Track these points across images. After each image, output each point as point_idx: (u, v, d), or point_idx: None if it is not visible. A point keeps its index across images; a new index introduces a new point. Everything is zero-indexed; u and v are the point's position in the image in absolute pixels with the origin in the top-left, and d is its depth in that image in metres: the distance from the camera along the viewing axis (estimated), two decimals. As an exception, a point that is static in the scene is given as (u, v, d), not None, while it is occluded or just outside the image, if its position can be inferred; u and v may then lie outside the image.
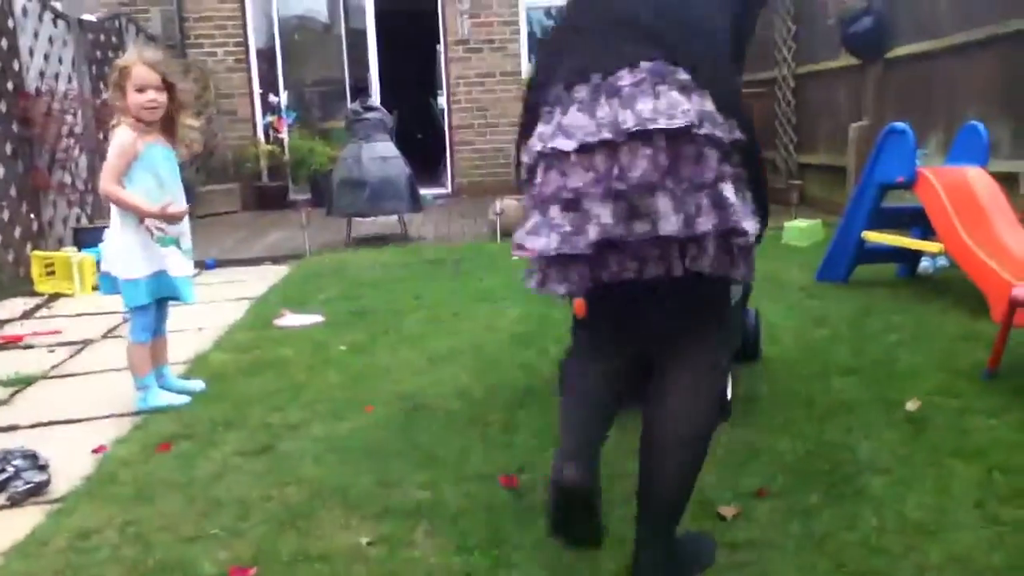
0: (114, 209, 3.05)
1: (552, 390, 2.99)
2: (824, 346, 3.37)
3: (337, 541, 2.06)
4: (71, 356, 3.99)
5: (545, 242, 1.67)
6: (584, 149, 1.64)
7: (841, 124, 6.83)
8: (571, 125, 1.65)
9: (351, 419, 2.84)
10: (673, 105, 1.59)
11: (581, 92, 1.67)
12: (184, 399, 3.12)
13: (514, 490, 2.28)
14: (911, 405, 2.71)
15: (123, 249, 3.02)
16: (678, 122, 1.58)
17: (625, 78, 1.64)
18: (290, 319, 4.28)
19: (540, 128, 1.73)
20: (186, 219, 3.21)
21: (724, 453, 2.41)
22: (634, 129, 1.59)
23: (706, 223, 1.60)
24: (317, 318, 4.27)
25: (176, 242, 3.15)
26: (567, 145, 1.65)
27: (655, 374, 1.84)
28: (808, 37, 7.54)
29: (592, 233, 1.62)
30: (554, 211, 1.68)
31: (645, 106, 1.60)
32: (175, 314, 4.71)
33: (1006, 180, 4.48)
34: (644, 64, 1.64)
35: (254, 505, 2.26)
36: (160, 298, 3.15)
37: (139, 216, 3.00)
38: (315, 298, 4.78)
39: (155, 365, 3.23)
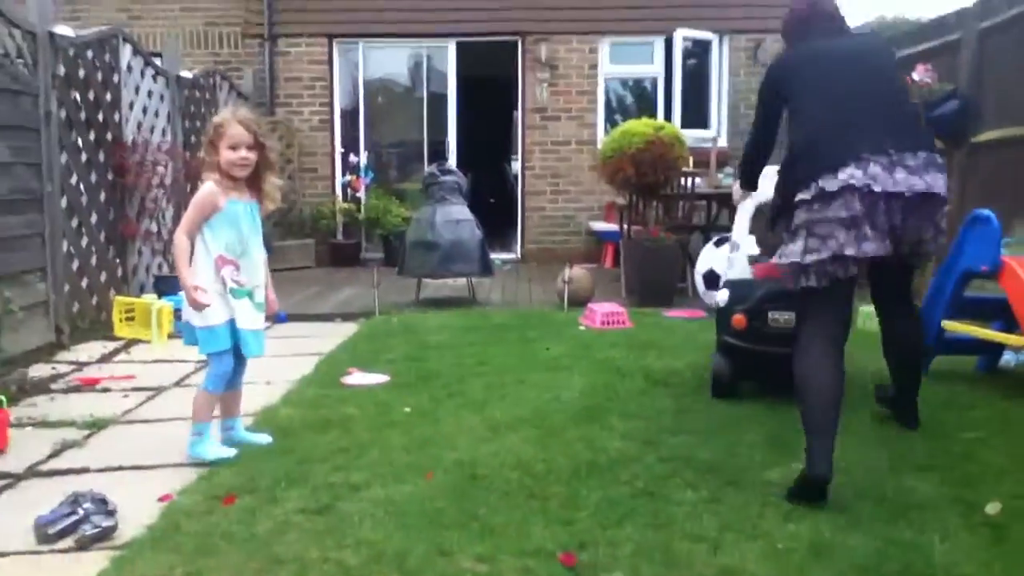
0: (194, 258, 3.15)
1: (614, 466, 2.96)
2: (899, 439, 3.26)
3: (391, 610, 2.04)
4: (144, 402, 4.10)
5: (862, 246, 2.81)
6: (877, 195, 2.78)
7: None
8: (876, 177, 2.77)
9: (411, 483, 2.84)
10: (941, 181, 2.91)
11: (880, 160, 2.79)
12: (231, 452, 3.18)
13: (573, 569, 2.24)
14: (991, 508, 2.59)
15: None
16: (943, 193, 2.92)
17: (910, 159, 2.84)
18: (357, 377, 4.34)
19: (851, 171, 2.77)
20: (263, 272, 3.30)
21: (788, 546, 2.34)
22: (923, 191, 2.84)
23: (932, 243, 3.01)
24: (383, 378, 4.31)
25: (250, 294, 3.23)
26: (877, 187, 2.76)
27: (891, 315, 3.42)
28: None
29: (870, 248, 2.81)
30: (848, 230, 2.78)
31: (928, 179, 2.85)
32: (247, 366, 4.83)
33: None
34: (921, 153, 2.88)
35: (312, 565, 2.26)
36: (238, 351, 3.21)
37: (215, 265, 3.12)
38: (382, 358, 4.83)
39: (225, 416, 3.29)
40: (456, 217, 6.57)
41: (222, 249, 3.14)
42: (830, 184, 2.76)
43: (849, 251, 2.76)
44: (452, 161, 9.86)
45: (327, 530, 2.49)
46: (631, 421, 3.52)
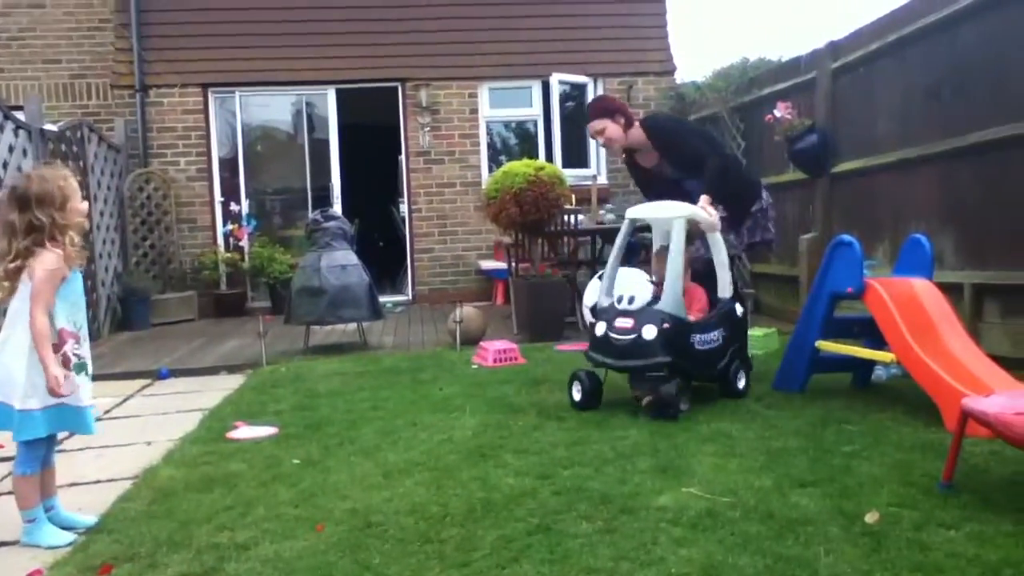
0: (25, 336, 2.84)
1: (508, 503, 2.95)
2: (782, 457, 3.37)
3: (282, 672, 1.96)
4: None
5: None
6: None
7: (792, 235, 7.03)
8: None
9: (301, 538, 2.75)
10: None
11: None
12: (70, 537, 2.87)
13: (469, 613, 2.20)
14: (870, 518, 2.70)
15: (26, 378, 2.82)
16: None
17: None
18: (243, 431, 4.19)
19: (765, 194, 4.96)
20: (86, 342, 3.01)
21: (681, 570, 2.37)
22: None
23: None
24: (271, 430, 4.18)
25: (86, 368, 2.98)
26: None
27: None
28: (758, 152, 7.84)
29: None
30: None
31: None
32: (124, 427, 4.62)
33: (951, 290, 4.61)
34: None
35: (196, 633, 2.15)
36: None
37: (59, 340, 2.86)
38: (270, 409, 4.69)
39: (44, 497, 2.98)
40: (341, 262, 6.49)
41: (64, 322, 2.89)
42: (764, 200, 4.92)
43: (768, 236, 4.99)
44: (337, 207, 9.77)
45: (212, 594, 2.37)
46: (525, 457, 3.52)
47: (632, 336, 4.10)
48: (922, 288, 4.15)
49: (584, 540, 2.62)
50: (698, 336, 4.22)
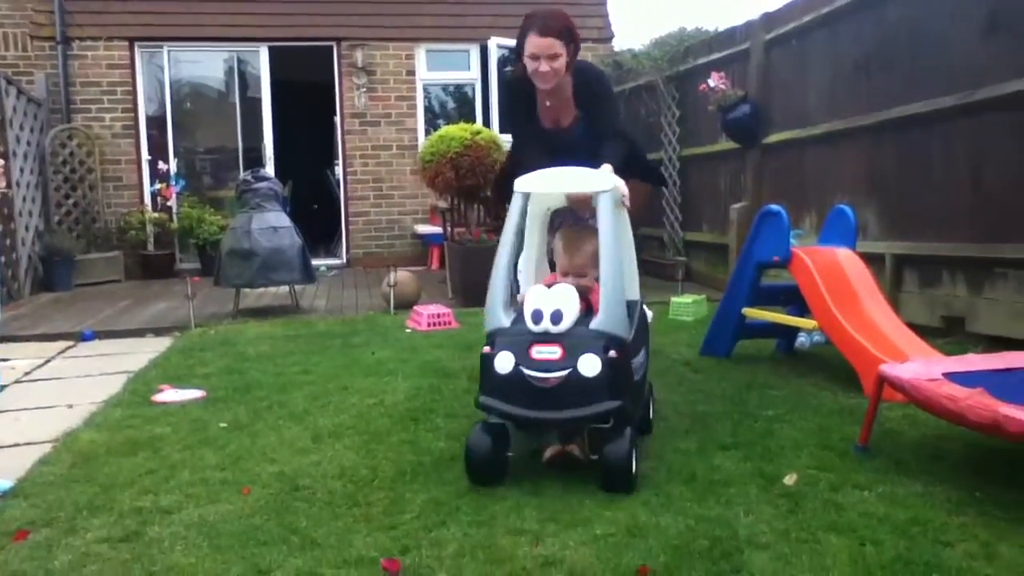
0: None
1: (438, 466, 2.96)
2: (706, 421, 3.45)
3: (205, 635, 1.94)
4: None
5: None
6: None
7: (723, 204, 7.14)
8: None
9: (227, 502, 2.72)
10: None
11: None
12: None
13: (397, 574, 2.21)
14: (788, 480, 2.78)
15: None
16: None
17: None
18: (169, 395, 4.11)
19: None
20: None
21: (605, 531, 2.41)
22: None
23: None
24: (198, 394, 4.11)
25: None
26: None
27: None
28: (692, 121, 7.91)
29: None
30: None
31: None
32: (44, 390, 4.49)
33: (873, 260, 4.75)
34: None
35: (116, 598, 2.12)
36: None
37: None
38: (197, 372, 4.61)
39: None
40: (273, 224, 6.37)
41: None
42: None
43: None
44: (270, 168, 9.59)
45: (133, 558, 2.33)
46: (456, 421, 3.53)
47: (563, 372, 2.70)
48: (845, 258, 4.27)
49: (512, 502, 2.64)
50: (633, 360, 2.98)
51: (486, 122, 9.61)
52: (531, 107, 3.61)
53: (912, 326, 4.14)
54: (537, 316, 2.79)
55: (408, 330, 5.73)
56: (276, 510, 2.65)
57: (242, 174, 7.38)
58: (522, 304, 2.88)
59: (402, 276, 6.71)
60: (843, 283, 4.14)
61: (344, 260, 10.07)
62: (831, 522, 2.45)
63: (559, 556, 2.28)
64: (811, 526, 2.43)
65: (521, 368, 2.72)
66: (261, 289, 7.01)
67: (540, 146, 3.60)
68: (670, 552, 2.28)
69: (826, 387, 3.93)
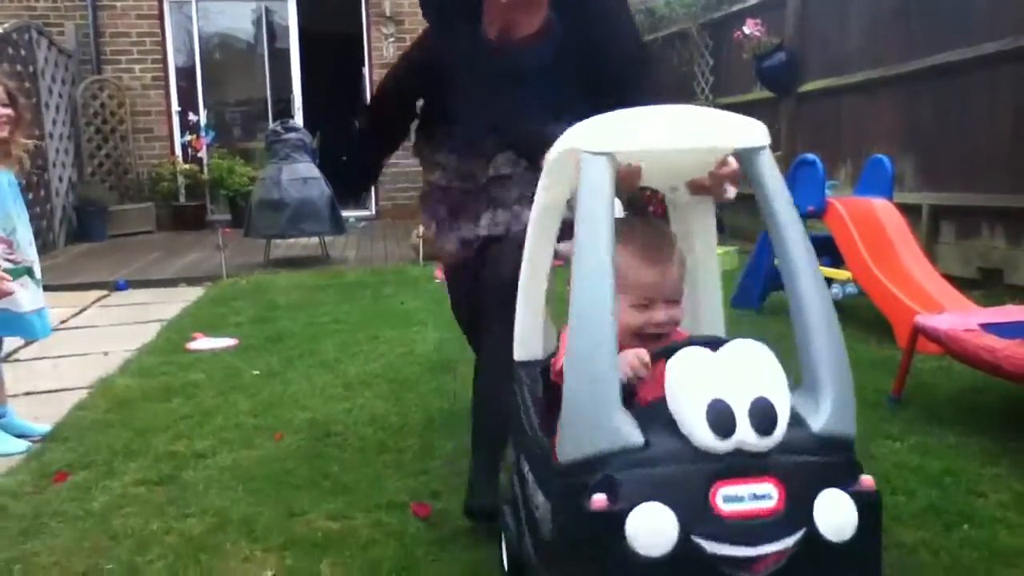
0: None
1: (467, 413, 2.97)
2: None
3: (239, 575, 1.98)
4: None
5: None
6: None
7: (757, 155, 7.01)
8: None
9: (260, 447, 2.76)
10: None
11: None
12: (24, 445, 2.83)
13: (427, 519, 2.23)
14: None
15: None
16: None
17: None
18: (202, 343, 4.16)
19: None
20: (33, 245, 2.94)
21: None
22: None
23: None
24: (230, 342, 4.16)
25: (29, 271, 2.88)
26: None
27: None
28: (726, 70, 7.75)
29: None
30: None
31: None
32: (81, 338, 4.56)
33: (909, 211, 4.66)
34: None
35: (153, 538, 2.16)
36: None
37: None
38: (230, 321, 4.66)
39: None
40: (303, 175, 6.38)
41: None
42: None
43: None
44: (299, 119, 9.54)
45: (169, 501, 2.38)
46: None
47: (791, 538, 1.22)
48: (881, 208, 4.18)
49: (541, 450, 2.65)
50: None
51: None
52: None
53: (948, 278, 4.07)
54: (724, 418, 1.23)
55: (437, 281, 5.73)
56: (308, 455, 2.69)
57: (271, 125, 7.37)
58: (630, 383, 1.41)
59: (431, 227, 6.69)
60: (879, 234, 4.07)
61: (373, 212, 10.06)
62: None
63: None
64: (842, 476, 2.42)
65: (697, 541, 1.19)
66: (291, 240, 7.04)
67: (472, 74, 2.16)
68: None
69: (859, 338, 3.88)
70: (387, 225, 9.28)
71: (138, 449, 2.77)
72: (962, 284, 4.17)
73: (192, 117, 9.59)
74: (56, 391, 3.54)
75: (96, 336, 4.62)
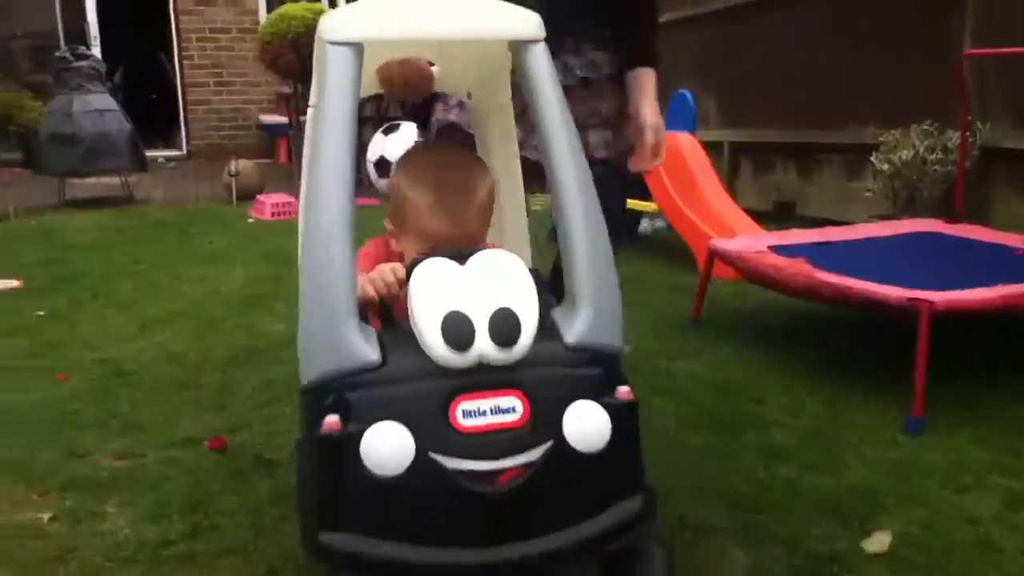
0: None
1: (274, 347, 2.87)
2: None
3: (11, 518, 1.83)
4: None
5: None
6: None
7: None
8: None
9: (39, 389, 2.55)
10: None
11: None
12: None
13: (223, 452, 2.14)
14: (625, 350, 2.86)
15: None
16: None
17: None
18: (-22, 285, 3.80)
19: None
20: None
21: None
22: None
23: None
24: (13, 283, 3.82)
25: None
26: None
27: None
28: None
29: None
30: None
31: None
32: None
33: (713, 147, 4.87)
34: None
35: (-94, 488, 1.96)
36: None
37: None
38: (13, 263, 4.27)
39: None
40: (97, 107, 5.90)
41: None
42: None
43: None
44: (96, 52, 8.81)
45: (-76, 446, 2.16)
46: (296, 306, 3.43)
47: (535, 452, 1.17)
48: (685, 142, 4.35)
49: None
50: None
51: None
52: None
53: (747, 211, 4.30)
54: (460, 329, 1.17)
55: (251, 219, 5.50)
56: (96, 396, 2.51)
57: (58, 52, 6.74)
58: (384, 299, 1.34)
59: (244, 165, 6.41)
60: (682, 167, 4.23)
61: (184, 151, 9.51)
62: (660, 386, 2.55)
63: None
64: (645, 390, 2.52)
65: (434, 456, 1.15)
66: (92, 180, 6.54)
67: None
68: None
69: (666, 268, 4.04)
70: (199, 165, 8.80)
71: None
72: (759, 217, 4.42)
73: (-30, 45, 8.65)
74: None
75: None
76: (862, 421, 2.29)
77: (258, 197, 5.79)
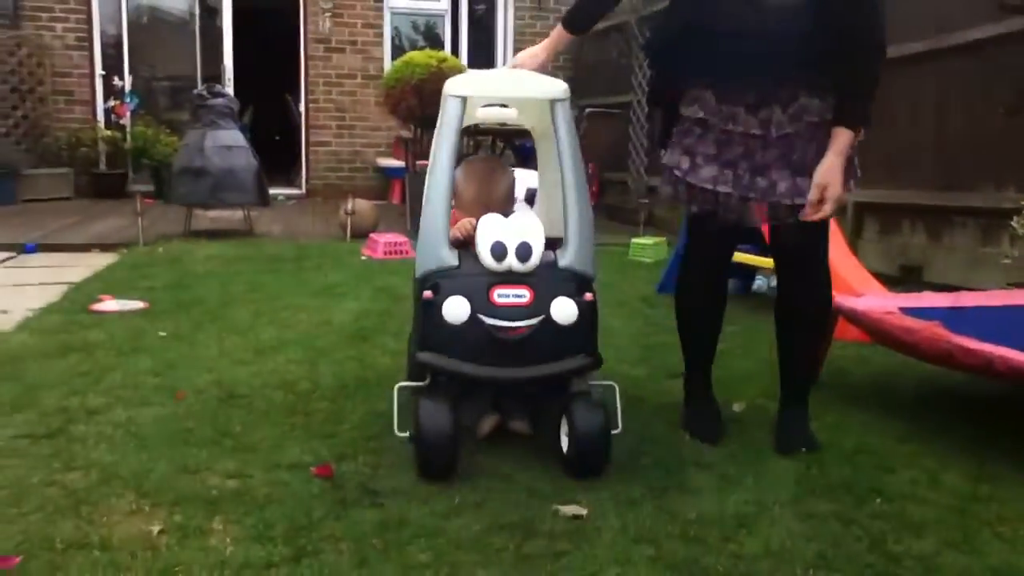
0: None
1: (382, 380, 2.87)
2: (658, 351, 3.40)
3: (123, 529, 1.85)
4: None
5: None
6: None
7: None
8: None
9: (159, 406, 2.61)
10: None
11: None
12: None
13: (330, 480, 2.13)
14: (737, 407, 2.75)
15: None
16: None
17: None
18: (108, 304, 3.96)
19: None
20: None
21: (551, 447, 2.35)
22: None
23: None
24: (138, 304, 3.97)
25: None
26: None
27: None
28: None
29: None
30: None
31: None
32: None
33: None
34: None
35: (31, 490, 2.01)
36: None
37: None
38: (141, 286, 4.45)
39: None
40: (227, 143, 6.16)
41: None
42: None
43: None
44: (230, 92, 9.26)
45: (54, 454, 2.23)
46: (404, 339, 3.44)
47: (534, 319, 2.18)
48: (808, 198, 4.21)
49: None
50: None
51: (455, 54, 9.38)
52: None
53: (871, 274, 4.11)
54: (499, 250, 2.16)
55: (363, 257, 5.61)
56: (210, 415, 2.55)
57: (197, 89, 7.10)
58: (463, 239, 2.30)
59: (360, 204, 6.56)
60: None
61: (303, 190, 9.84)
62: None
63: (499, 467, 2.22)
64: (758, 449, 2.40)
65: (480, 316, 2.14)
66: (215, 213, 6.81)
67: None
68: (613, 469, 2.23)
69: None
70: (316, 204, 9.08)
71: (26, 403, 2.59)
72: (884, 280, 4.22)
73: (117, 82, 9.22)
74: (-57, 346, 3.32)
75: (-4, 295, 4.37)
76: (1003, 496, 2.11)
77: (371, 235, 5.91)
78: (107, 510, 1.93)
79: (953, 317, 2.72)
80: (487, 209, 2.31)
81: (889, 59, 4.81)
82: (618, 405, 2.38)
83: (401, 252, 5.60)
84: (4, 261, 5.37)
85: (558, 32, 2.56)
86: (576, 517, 1.96)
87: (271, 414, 2.59)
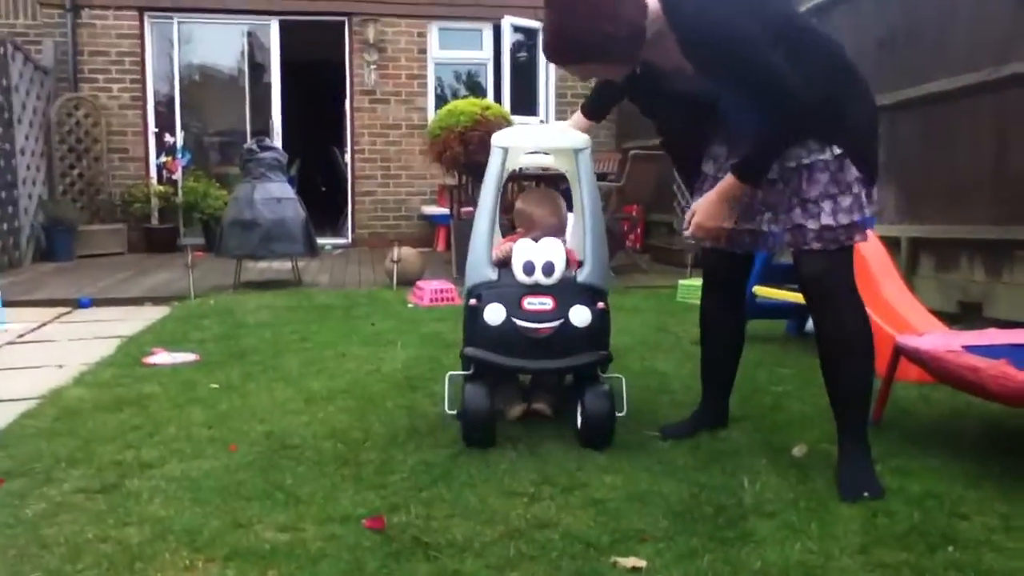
0: None
1: (432, 430, 2.85)
2: (713, 394, 3.32)
3: (177, 586, 1.84)
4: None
5: None
6: None
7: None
8: None
9: (212, 459, 2.61)
10: None
11: None
12: None
13: (382, 532, 2.10)
14: (797, 451, 2.66)
15: None
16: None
17: None
18: (161, 357, 4.01)
19: None
20: None
21: (605, 495, 2.30)
22: None
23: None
24: (191, 357, 4.01)
25: None
26: None
27: None
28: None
29: None
30: None
31: None
32: (36, 351, 4.40)
33: (891, 243, 4.61)
34: None
35: (87, 546, 2.01)
36: None
37: None
38: (192, 338, 4.51)
39: None
40: (276, 195, 6.26)
41: None
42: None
43: None
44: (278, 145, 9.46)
45: (109, 509, 2.23)
46: (454, 388, 3.41)
47: (555, 322, 2.70)
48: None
49: (507, 465, 2.53)
50: None
51: (497, 101, 9.48)
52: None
53: (928, 311, 4.00)
54: (528, 268, 2.77)
55: (410, 305, 5.62)
56: (262, 467, 2.55)
57: (246, 144, 7.25)
58: (503, 259, 2.91)
59: (406, 252, 6.60)
60: (860, 264, 3.99)
61: (349, 239, 9.96)
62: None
63: (554, 519, 2.17)
64: (821, 496, 2.31)
65: (513, 319, 2.74)
66: (264, 264, 6.91)
67: (648, 98, 2.76)
68: (671, 518, 2.17)
69: (837, 366, 3.79)
70: (362, 252, 9.18)
71: (82, 458, 2.61)
72: (942, 318, 4.11)
73: (169, 138, 9.48)
74: (3, 401, 3.37)
75: (53, 350, 4.46)
76: (1088, 547, 2.00)
77: (418, 283, 5.93)
78: (161, 566, 1.92)
79: (1019, 354, 2.62)
80: (543, 226, 3.00)
81: (945, 92, 4.75)
82: (624, 393, 2.88)
83: (447, 299, 5.61)
84: (60, 316, 5.49)
85: (579, 117, 2.99)
86: (635, 570, 1.90)
87: (322, 465, 2.57)
